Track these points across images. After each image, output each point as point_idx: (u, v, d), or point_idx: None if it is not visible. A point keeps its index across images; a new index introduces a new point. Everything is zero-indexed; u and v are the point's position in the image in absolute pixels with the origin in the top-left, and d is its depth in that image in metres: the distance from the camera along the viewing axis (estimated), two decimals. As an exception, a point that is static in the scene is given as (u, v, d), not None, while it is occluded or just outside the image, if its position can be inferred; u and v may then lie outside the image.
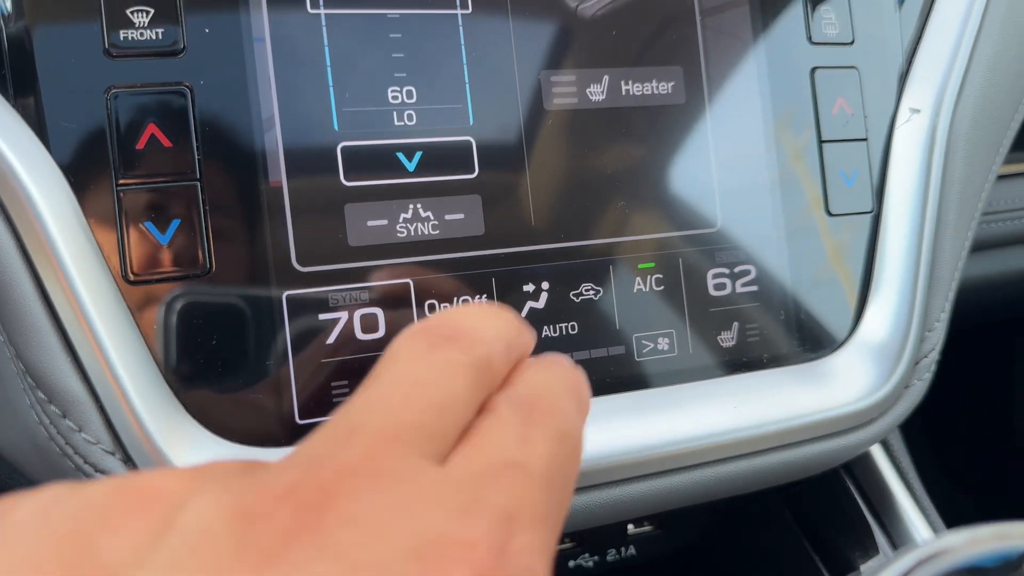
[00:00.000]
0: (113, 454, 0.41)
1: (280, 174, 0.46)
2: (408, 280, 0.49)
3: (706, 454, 0.51)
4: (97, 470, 0.41)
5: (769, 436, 0.52)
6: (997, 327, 1.27)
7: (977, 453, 1.29)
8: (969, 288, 0.74)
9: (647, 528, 0.64)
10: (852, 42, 0.58)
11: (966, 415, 1.29)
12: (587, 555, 0.63)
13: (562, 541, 0.62)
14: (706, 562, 0.69)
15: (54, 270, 0.41)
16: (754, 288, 0.56)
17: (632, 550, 0.65)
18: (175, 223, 0.44)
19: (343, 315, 0.47)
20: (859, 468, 0.61)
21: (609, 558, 0.64)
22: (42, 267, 0.40)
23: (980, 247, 0.78)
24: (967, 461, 1.30)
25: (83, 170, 0.42)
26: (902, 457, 0.61)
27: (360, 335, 0.47)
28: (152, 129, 0.44)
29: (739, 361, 0.55)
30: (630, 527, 0.64)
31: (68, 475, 0.41)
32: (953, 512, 0.64)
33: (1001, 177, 0.80)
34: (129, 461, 0.41)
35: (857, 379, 0.54)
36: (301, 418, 0.46)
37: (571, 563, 0.63)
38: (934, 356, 0.57)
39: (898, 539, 0.58)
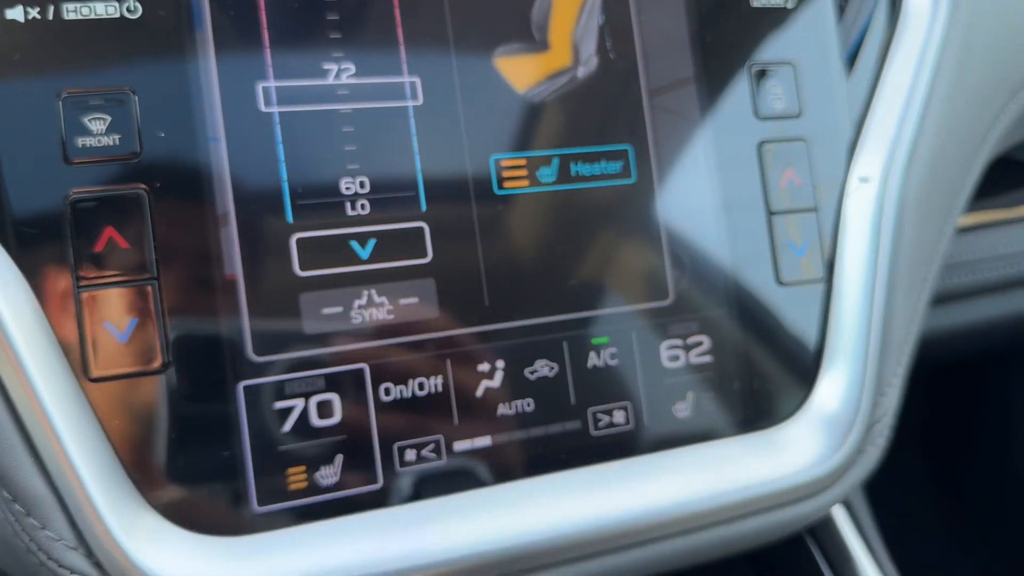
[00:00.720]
0: (76, 549, 0.42)
1: (236, 267, 0.48)
2: (363, 365, 0.50)
3: (662, 528, 0.52)
4: (61, 565, 0.42)
5: (725, 508, 0.53)
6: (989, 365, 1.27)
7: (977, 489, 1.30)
8: (939, 340, 0.75)
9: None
10: (799, 114, 0.60)
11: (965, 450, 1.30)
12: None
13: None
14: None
15: (15, 371, 0.42)
16: (708, 359, 0.57)
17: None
18: (133, 322, 0.45)
19: (299, 402, 0.49)
20: (822, 532, 0.62)
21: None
22: (3, 368, 0.42)
23: (946, 299, 0.79)
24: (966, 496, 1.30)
25: (43, 273, 0.44)
26: (864, 519, 0.62)
27: (316, 421, 0.49)
28: (110, 231, 0.45)
29: (694, 432, 0.56)
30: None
31: (34, 570, 0.43)
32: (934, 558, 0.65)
33: (964, 229, 0.81)
34: (91, 555, 0.43)
35: (810, 447, 0.55)
36: (260, 505, 0.47)
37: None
38: (888, 420, 0.58)
39: (860, 603, 0.59)
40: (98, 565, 0.43)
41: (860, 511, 0.62)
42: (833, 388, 0.57)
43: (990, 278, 0.80)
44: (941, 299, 0.77)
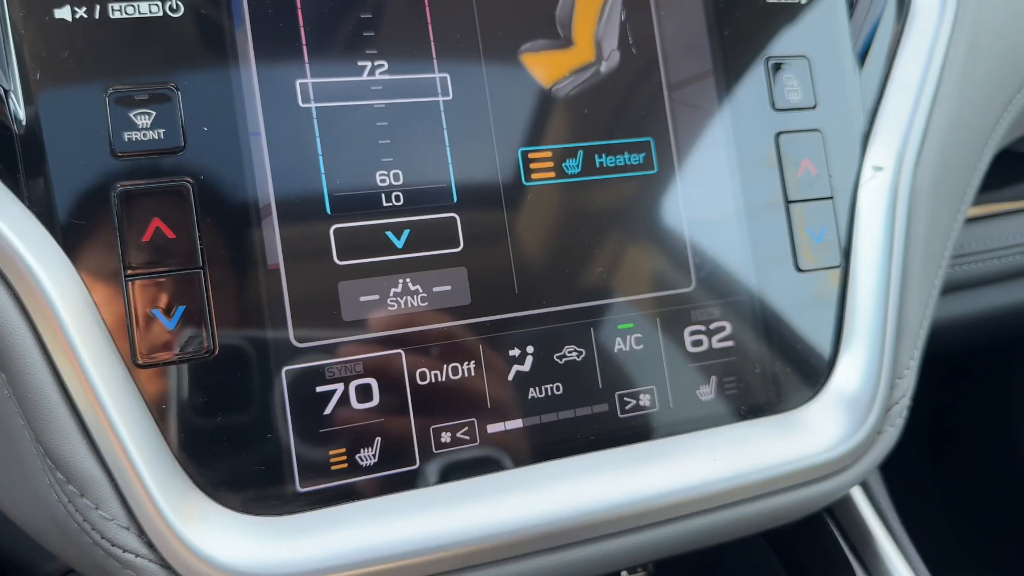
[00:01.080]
0: (128, 529, 0.44)
1: (277, 258, 0.49)
2: (400, 350, 0.52)
3: (688, 507, 0.54)
4: (114, 544, 0.44)
5: (748, 487, 0.55)
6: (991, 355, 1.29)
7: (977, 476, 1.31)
8: (946, 328, 0.77)
9: (640, 573, 0.67)
10: (815, 106, 0.62)
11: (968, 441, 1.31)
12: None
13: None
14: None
15: (68, 358, 0.44)
16: (730, 343, 0.59)
17: (626, 595, 0.67)
18: (180, 309, 0.47)
19: (339, 387, 0.50)
20: (840, 511, 0.64)
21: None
22: (57, 356, 0.44)
23: (954, 288, 0.81)
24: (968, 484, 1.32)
25: (93, 263, 0.46)
26: (882, 499, 0.63)
27: (356, 404, 0.51)
28: (156, 223, 0.47)
29: (718, 414, 0.57)
30: (623, 573, 0.66)
31: (86, 549, 0.44)
32: (937, 550, 0.66)
33: (972, 220, 0.83)
34: (143, 534, 0.44)
35: (830, 428, 0.57)
36: (302, 486, 0.49)
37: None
38: (905, 402, 0.60)
39: (879, 579, 0.61)
40: (149, 544, 0.44)
41: (878, 491, 0.63)
42: (852, 371, 0.58)
43: (997, 267, 0.82)
44: (949, 288, 0.79)
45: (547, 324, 0.55)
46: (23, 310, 0.44)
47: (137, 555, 0.44)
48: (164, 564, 0.44)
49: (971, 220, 0.83)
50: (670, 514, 0.53)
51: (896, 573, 0.59)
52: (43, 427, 0.44)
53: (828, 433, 0.57)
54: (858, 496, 0.63)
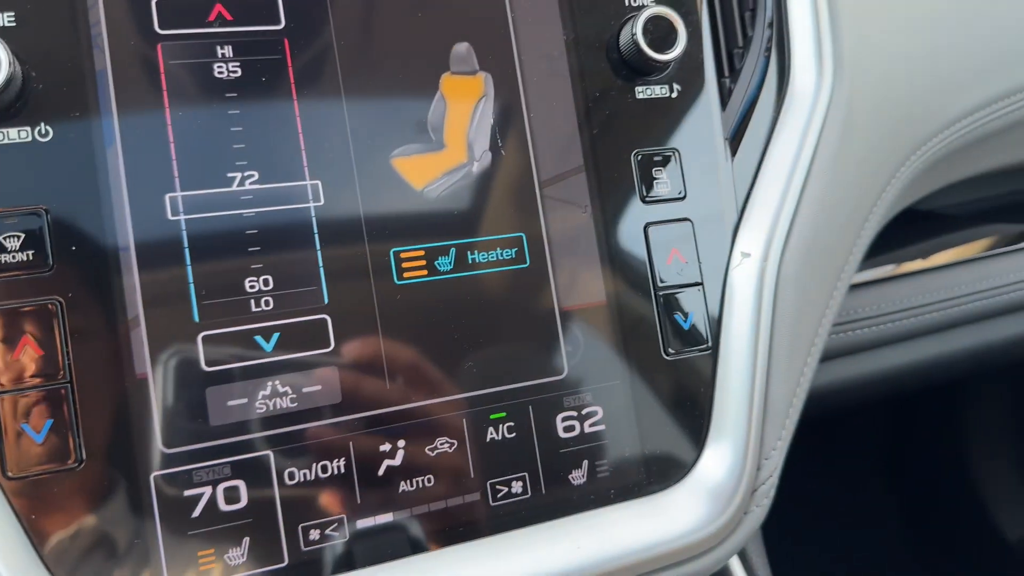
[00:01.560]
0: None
1: (145, 367, 0.52)
2: (268, 452, 0.54)
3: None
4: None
5: (616, 571, 0.57)
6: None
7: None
8: (837, 390, 0.80)
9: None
10: (684, 196, 0.64)
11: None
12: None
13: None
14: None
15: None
16: (601, 427, 0.61)
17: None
18: (48, 423, 0.49)
19: (207, 490, 0.53)
20: (719, 583, 0.66)
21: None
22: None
23: (849, 351, 0.83)
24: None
25: (-37, 384, 0.48)
26: (759, 566, 0.66)
27: (223, 506, 0.53)
28: (26, 340, 0.49)
29: (588, 498, 0.60)
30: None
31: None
32: None
33: (864, 284, 0.85)
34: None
35: (694, 512, 0.59)
36: (167, 589, 0.51)
37: None
38: (772, 481, 0.62)
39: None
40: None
41: (756, 561, 0.65)
42: (717, 457, 0.61)
43: (893, 330, 0.84)
44: (845, 351, 0.81)
45: (419, 418, 0.57)
46: None
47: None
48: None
49: (863, 285, 0.85)
50: (535, 602, 0.56)
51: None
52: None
53: (692, 517, 0.59)
54: (735, 566, 0.65)
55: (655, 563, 0.58)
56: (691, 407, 0.62)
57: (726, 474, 0.60)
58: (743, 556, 0.66)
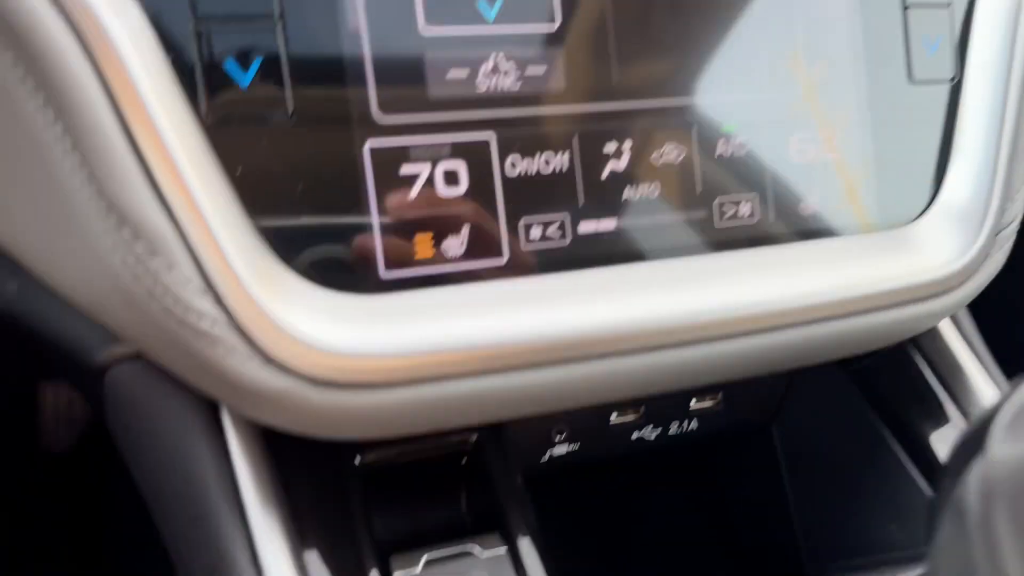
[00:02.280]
0: (205, 294, 0.40)
1: (359, 19, 0.44)
2: (490, 133, 0.47)
3: (785, 317, 0.50)
4: (189, 309, 0.40)
5: (856, 300, 0.51)
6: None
7: None
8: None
9: (709, 403, 0.64)
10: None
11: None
12: (650, 427, 0.63)
13: (625, 412, 0.62)
14: (769, 439, 0.69)
15: (138, 109, 0.39)
16: (836, 154, 0.54)
17: (694, 424, 0.64)
18: (256, 62, 0.42)
19: (425, 168, 0.46)
20: (927, 341, 0.60)
21: (671, 431, 0.64)
22: (126, 106, 0.39)
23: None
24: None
25: (166, 11, 0.40)
26: (969, 328, 0.60)
27: (442, 189, 0.46)
28: (231, -37, 0.42)
29: (820, 228, 0.53)
30: (693, 401, 0.64)
31: (155, 318, 0.40)
32: None
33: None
34: (220, 302, 0.40)
35: (941, 246, 0.53)
36: (387, 269, 0.45)
37: (634, 435, 0.63)
38: (1015, 227, 0.56)
39: (969, 409, 0.58)
40: (226, 311, 0.40)
41: (965, 321, 0.60)
42: (963, 185, 0.54)
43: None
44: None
45: (648, 120, 0.50)
46: (92, 61, 0.39)
47: (214, 322, 0.40)
48: (243, 334, 0.40)
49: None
50: (765, 323, 0.50)
51: (987, 402, 0.57)
52: (106, 174, 0.39)
53: (938, 251, 0.53)
54: (944, 325, 0.60)
55: (899, 296, 0.52)
56: (934, 137, 0.55)
57: (972, 205, 0.54)
58: (955, 320, 0.60)
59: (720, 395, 0.64)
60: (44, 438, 1.32)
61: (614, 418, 0.62)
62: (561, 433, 0.61)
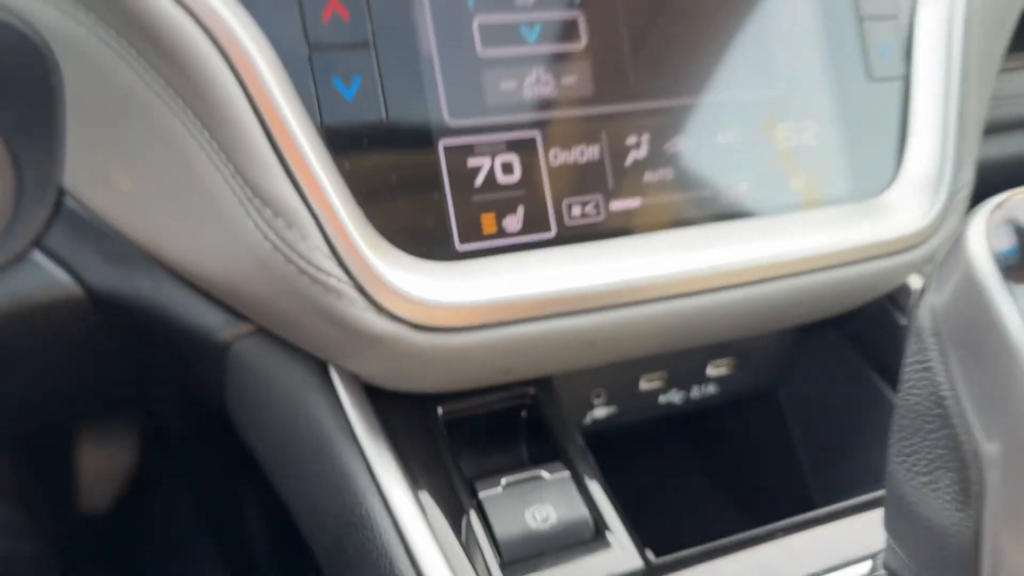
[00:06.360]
0: (330, 258, 0.51)
1: (432, 46, 0.56)
2: (536, 132, 0.59)
3: (791, 267, 0.61)
4: (319, 270, 0.51)
5: (842, 253, 0.62)
6: None
7: None
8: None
9: (724, 369, 0.75)
10: (879, -66, 0.69)
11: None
12: (674, 390, 0.73)
13: (652, 378, 0.72)
14: (776, 402, 0.79)
15: (272, 112, 0.50)
16: (815, 140, 0.66)
17: (712, 388, 0.75)
18: (356, 80, 0.54)
19: (487, 160, 0.57)
20: (903, 299, 0.71)
21: (693, 395, 0.74)
22: (263, 109, 0.50)
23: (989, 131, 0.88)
24: None
25: (285, 40, 0.52)
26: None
27: (501, 177, 0.57)
28: (334, 5, 0.53)
29: (808, 200, 0.65)
30: (710, 367, 0.74)
31: (291, 279, 0.51)
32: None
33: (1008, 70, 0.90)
34: (342, 264, 0.51)
35: (906, 210, 0.65)
36: (461, 242, 0.56)
37: (660, 398, 0.73)
38: (966, 192, 0.67)
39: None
40: (348, 272, 0.51)
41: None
42: (919, 162, 0.66)
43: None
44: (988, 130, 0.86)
45: (660, 116, 0.62)
46: (236, 74, 0.50)
47: (339, 280, 0.51)
48: (361, 290, 0.51)
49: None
50: (772, 273, 0.61)
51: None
52: (250, 166, 0.50)
53: (905, 213, 0.64)
54: (917, 285, 0.71)
55: (877, 249, 0.63)
56: (893, 123, 0.67)
57: (929, 177, 0.65)
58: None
59: (733, 360, 0.75)
60: (83, 496, 1.36)
61: (643, 383, 0.73)
62: (599, 396, 0.71)
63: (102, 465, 1.30)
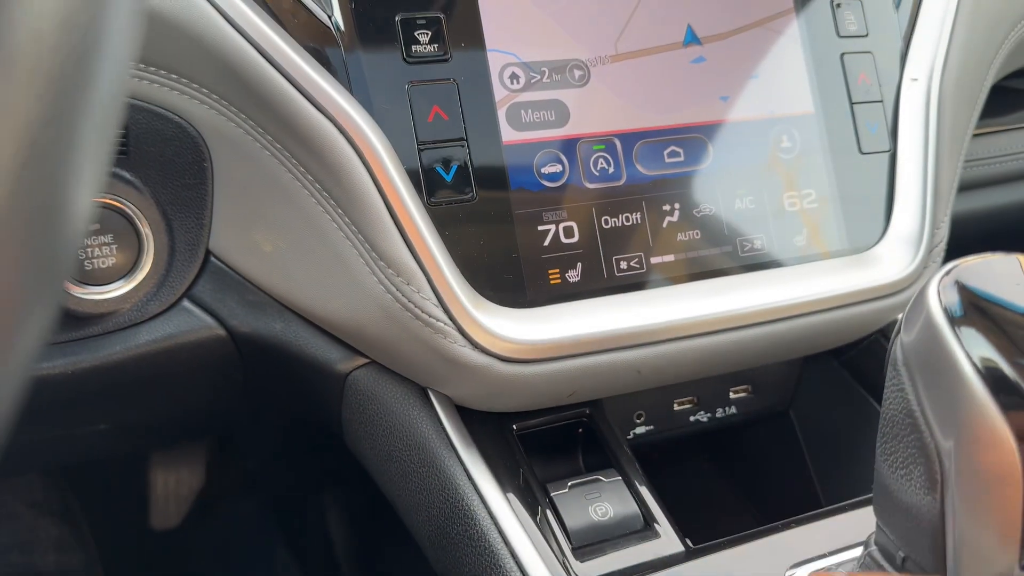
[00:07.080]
0: (438, 307, 0.65)
1: (498, 137, 0.71)
2: (592, 205, 0.73)
3: (796, 309, 0.75)
4: (431, 316, 0.65)
5: (840, 297, 0.77)
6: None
7: None
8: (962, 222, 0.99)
9: (743, 393, 0.89)
10: (867, 34, 0.84)
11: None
12: (702, 412, 0.87)
13: (684, 401, 0.86)
14: (789, 421, 0.93)
15: (393, 192, 0.65)
16: (816, 204, 0.80)
17: (733, 409, 0.89)
18: (454, 167, 0.68)
19: (552, 227, 0.72)
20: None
21: (718, 415, 0.88)
22: (386, 190, 0.65)
23: (963, 188, 1.03)
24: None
25: (399, 136, 0.67)
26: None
27: (563, 239, 0.72)
28: (436, 109, 0.68)
29: (811, 254, 0.79)
30: (731, 392, 0.88)
31: (407, 323, 0.65)
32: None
33: (979, 135, 1.05)
34: (447, 312, 0.65)
35: (893, 261, 0.79)
36: (530, 292, 0.70)
37: (691, 418, 0.87)
38: (943, 246, 0.82)
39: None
40: (452, 318, 0.65)
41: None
42: (905, 219, 0.80)
43: (999, 170, 1.04)
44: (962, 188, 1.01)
45: (688, 188, 0.76)
46: (365, 165, 0.65)
47: (445, 324, 0.65)
48: (461, 331, 0.66)
49: (978, 135, 1.05)
50: (785, 313, 0.75)
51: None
52: (377, 236, 0.65)
53: (892, 264, 0.79)
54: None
55: (867, 294, 0.77)
56: (880, 190, 0.82)
57: (912, 234, 0.80)
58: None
59: (751, 386, 0.89)
60: (153, 515, 1.49)
61: (676, 405, 0.87)
62: (640, 416, 0.85)
63: (171, 485, 1.44)
